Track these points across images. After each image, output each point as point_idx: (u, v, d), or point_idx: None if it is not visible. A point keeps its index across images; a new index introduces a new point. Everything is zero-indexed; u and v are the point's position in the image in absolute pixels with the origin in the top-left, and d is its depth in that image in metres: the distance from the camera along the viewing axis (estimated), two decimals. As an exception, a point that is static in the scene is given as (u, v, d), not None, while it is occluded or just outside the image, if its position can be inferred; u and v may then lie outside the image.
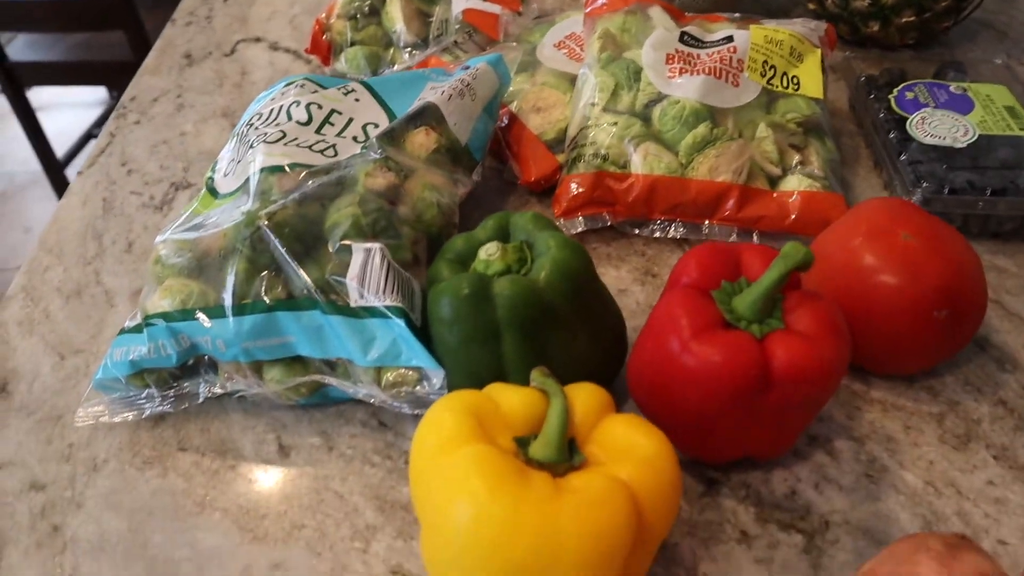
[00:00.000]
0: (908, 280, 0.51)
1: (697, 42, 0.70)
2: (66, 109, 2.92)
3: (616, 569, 0.39)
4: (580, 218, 0.65)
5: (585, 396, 0.44)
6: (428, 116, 0.63)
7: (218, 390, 0.56)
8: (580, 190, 0.64)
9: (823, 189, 0.65)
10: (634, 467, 0.41)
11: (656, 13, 0.73)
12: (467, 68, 0.69)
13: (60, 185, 2.37)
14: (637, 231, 0.66)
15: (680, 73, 0.67)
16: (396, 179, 0.58)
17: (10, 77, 2.03)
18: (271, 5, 1.04)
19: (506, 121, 0.72)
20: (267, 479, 0.53)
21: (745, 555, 0.48)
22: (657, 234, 0.66)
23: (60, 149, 2.40)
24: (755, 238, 0.65)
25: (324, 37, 0.86)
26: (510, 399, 0.44)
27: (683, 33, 0.71)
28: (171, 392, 0.56)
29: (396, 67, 0.84)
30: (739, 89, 0.67)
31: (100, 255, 0.71)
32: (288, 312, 0.53)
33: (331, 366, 0.54)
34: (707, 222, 0.65)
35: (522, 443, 0.42)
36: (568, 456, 0.42)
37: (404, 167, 0.60)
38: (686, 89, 0.66)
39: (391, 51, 0.85)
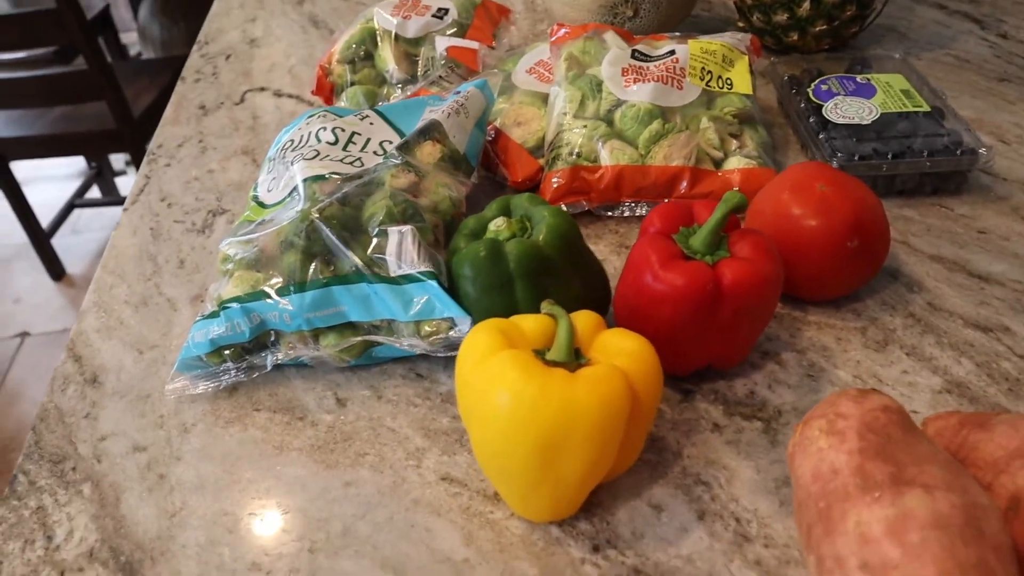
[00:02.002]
0: (825, 220, 0.66)
1: (646, 57, 0.85)
2: (45, 182, 3.03)
3: (618, 432, 0.52)
4: (562, 206, 0.79)
5: (584, 318, 0.58)
6: (433, 131, 0.77)
7: (282, 357, 0.68)
8: (560, 183, 0.79)
9: (758, 165, 0.79)
10: (625, 360, 0.54)
11: (610, 37, 0.88)
12: (459, 92, 0.83)
13: (47, 255, 2.47)
14: (610, 213, 0.81)
15: (634, 82, 0.82)
16: (416, 178, 0.71)
17: (-5, 153, 2.14)
18: (269, 59, 1.18)
19: (493, 135, 0.86)
20: (331, 424, 0.66)
21: (718, 439, 0.62)
22: (627, 214, 0.80)
23: (43, 220, 2.50)
24: (706, 209, 0.79)
25: (327, 80, 1.00)
26: (527, 323, 0.57)
27: (634, 51, 0.86)
28: (244, 364, 0.69)
29: (391, 100, 0.98)
30: (683, 91, 0.82)
31: (157, 271, 0.83)
32: (340, 286, 0.66)
33: (376, 328, 0.67)
34: (666, 201, 0.79)
35: (540, 353, 0.56)
36: (576, 359, 0.55)
37: (420, 170, 0.74)
38: (640, 94, 0.80)
39: (385, 88, 0.99)
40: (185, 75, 1.18)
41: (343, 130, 0.78)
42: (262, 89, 1.11)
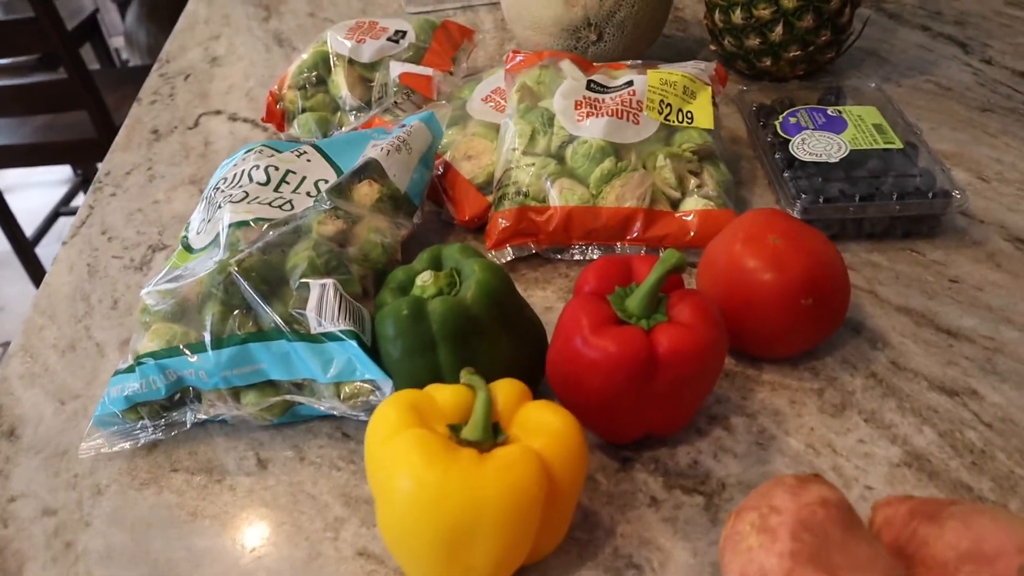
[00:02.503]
0: (777, 275, 0.61)
1: (602, 88, 0.81)
2: (31, 189, 3.01)
3: (532, 521, 0.48)
4: (508, 248, 0.75)
5: (506, 388, 0.54)
6: (370, 170, 0.73)
7: (202, 416, 0.65)
8: (506, 224, 0.74)
9: (717, 207, 0.75)
10: (545, 440, 0.50)
11: (566, 65, 0.84)
12: (404, 126, 0.79)
13: (31, 263, 2.44)
14: (559, 256, 0.76)
15: (587, 116, 0.77)
16: (344, 225, 0.67)
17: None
18: (228, 80, 1.14)
19: (442, 169, 0.82)
20: (249, 488, 0.62)
21: (654, 516, 0.57)
22: (577, 257, 0.76)
23: (28, 228, 2.47)
24: (661, 254, 0.75)
25: (278, 107, 0.96)
26: (443, 394, 0.53)
27: (590, 81, 0.81)
28: (162, 421, 0.65)
29: (344, 129, 0.94)
30: (639, 126, 0.77)
31: (89, 313, 0.79)
32: (259, 343, 0.62)
33: (298, 387, 0.63)
34: (619, 244, 0.75)
35: (455, 428, 0.52)
36: (492, 436, 0.51)
37: (351, 215, 0.69)
38: (592, 130, 0.76)
39: (338, 115, 0.95)
40: (142, 96, 1.14)
41: (276, 168, 0.74)
42: (217, 112, 1.07)
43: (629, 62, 0.85)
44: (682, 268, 0.55)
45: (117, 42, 3.06)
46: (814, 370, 0.66)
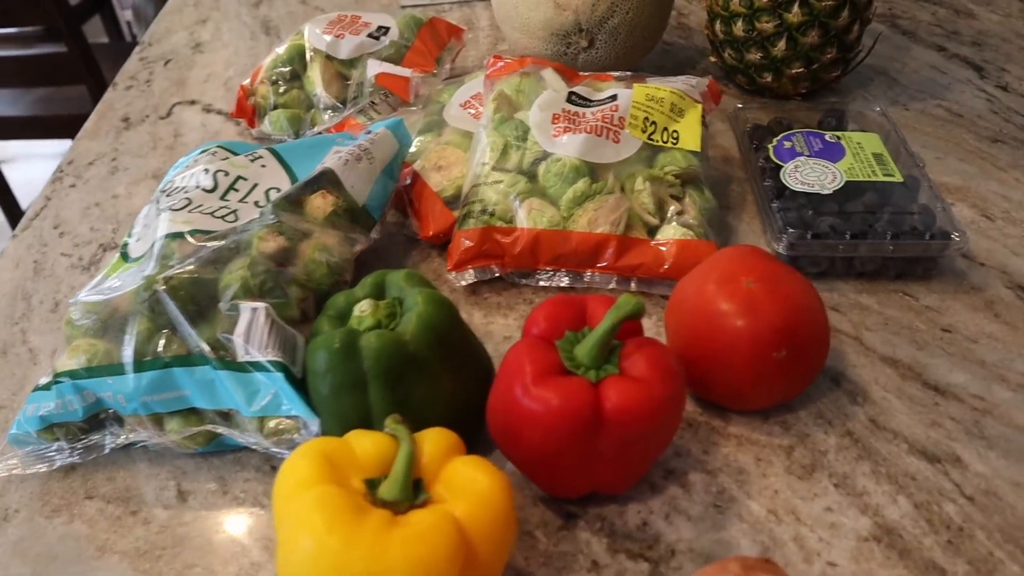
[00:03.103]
0: (749, 323, 0.56)
1: (584, 101, 0.75)
2: (33, 160, 2.98)
3: (445, 597, 0.43)
4: (471, 271, 0.69)
5: (434, 440, 0.49)
6: (325, 180, 0.68)
7: (123, 441, 0.60)
8: (469, 244, 0.69)
9: (696, 237, 0.69)
10: (468, 503, 0.46)
11: (549, 75, 0.78)
12: (370, 132, 0.74)
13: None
14: (525, 281, 0.71)
15: (564, 132, 0.72)
16: (286, 242, 0.62)
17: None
18: (208, 67, 1.09)
19: (409, 180, 0.77)
20: (164, 523, 0.57)
21: (595, 583, 0.52)
22: (544, 283, 0.71)
23: (26, 200, 2.44)
24: (633, 285, 0.70)
25: (249, 101, 0.91)
26: (364, 444, 0.48)
27: (571, 93, 0.76)
28: (79, 444, 0.60)
29: (316, 128, 0.89)
30: (619, 145, 0.72)
31: (27, 315, 0.75)
32: (183, 368, 0.57)
33: (224, 416, 0.58)
34: (589, 271, 0.69)
35: (372, 484, 0.47)
36: (413, 495, 0.46)
37: (299, 230, 0.65)
38: (568, 147, 0.71)
39: (312, 113, 0.90)
40: (118, 81, 1.09)
41: (226, 174, 0.69)
42: (192, 102, 1.02)
43: (616, 73, 0.80)
44: (638, 315, 0.50)
45: (130, 15, 3.02)
46: (785, 424, 0.61)
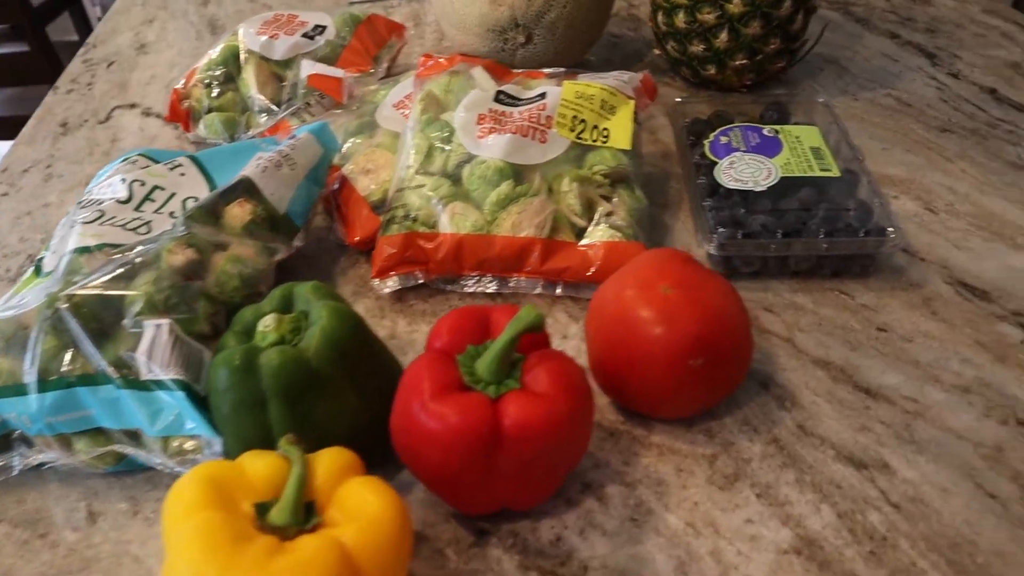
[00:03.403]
0: (665, 331, 0.54)
1: (512, 100, 0.74)
2: None
3: (327, 628, 0.42)
4: (394, 277, 0.68)
5: (329, 460, 0.47)
6: (242, 189, 0.66)
7: (33, 462, 0.58)
8: (392, 251, 0.67)
9: (625, 239, 0.68)
10: (359, 528, 0.44)
11: (478, 73, 0.76)
12: (294, 137, 0.72)
13: None
14: (451, 287, 0.69)
15: (490, 132, 0.70)
16: (196, 255, 0.61)
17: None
18: (151, 69, 1.07)
19: (338, 184, 0.75)
20: (72, 546, 0.56)
21: (504, 603, 0.51)
22: (471, 289, 0.69)
23: None
24: (559, 290, 0.68)
25: (183, 105, 0.89)
26: (258, 466, 0.47)
27: (499, 92, 0.74)
28: (-14, 466, 0.59)
29: (251, 132, 0.87)
30: (546, 145, 0.70)
31: (-49, 330, 0.73)
32: (87, 387, 0.56)
33: (132, 436, 0.57)
34: (515, 276, 0.68)
35: (263, 508, 0.45)
36: (304, 519, 0.45)
37: (213, 241, 0.63)
38: (493, 149, 0.69)
39: (247, 116, 0.88)
40: (59, 84, 1.07)
41: (142, 184, 0.68)
42: (132, 106, 1.00)
43: (549, 70, 0.78)
44: (539, 328, 0.48)
45: (99, 11, 2.99)
46: (710, 432, 0.59)
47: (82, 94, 1.04)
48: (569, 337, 0.66)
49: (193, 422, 0.54)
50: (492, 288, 0.69)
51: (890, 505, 0.54)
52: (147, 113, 0.99)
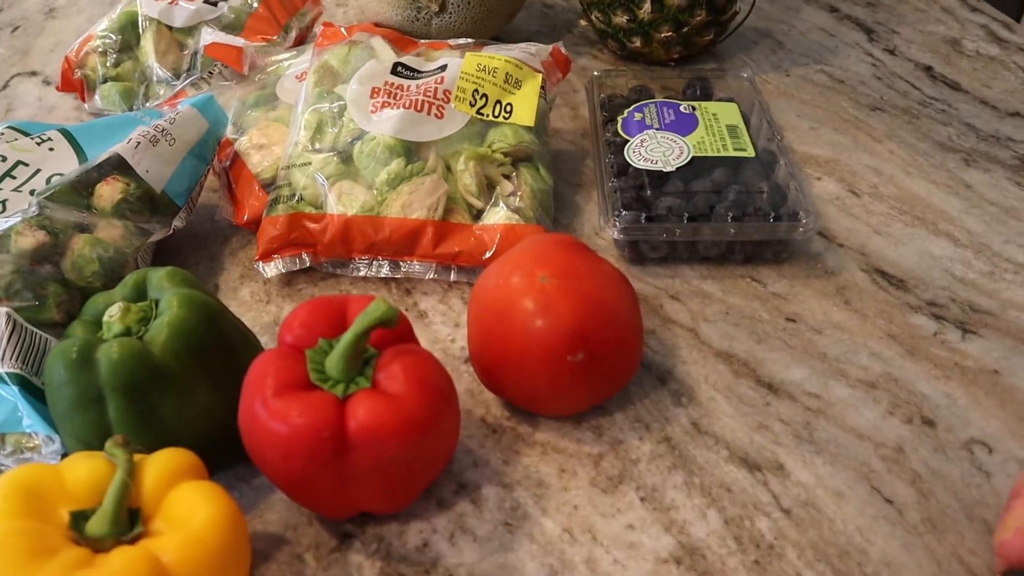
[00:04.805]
0: (542, 324, 0.51)
1: (411, 73, 0.69)
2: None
3: (134, 654, 0.38)
4: (279, 260, 0.64)
5: (161, 463, 0.44)
6: (109, 166, 0.62)
7: None
8: (276, 232, 0.63)
9: (524, 221, 0.64)
10: (181, 539, 0.41)
11: (378, 43, 0.72)
12: (177, 111, 0.68)
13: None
14: (341, 271, 0.65)
15: (383, 107, 0.66)
16: (47, 237, 0.56)
17: None
18: (57, 35, 1.02)
19: (229, 160, 0.71)
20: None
21: (360, 615, 0.47)
22: (363, 272, 0.65)
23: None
24: (453, 275, 0.64)
25: (76, 74, 0.84)
26: (80, 470, 0.43)
27: (398, 64, 0.70)
28: None
29: (151, 103, 0.82)
30: (443, 121, 0.66)
31: None
32: (-78, 379, 0.52)
33: (-29, 431, 0.53)
34: (406, 260, 0.64)
35: (81, 516, 0.42)
36: (126, 529, 0.41)
37: (75, 223, 0.59)
38: (383, 125, 0.65)
39: (145, 86, 0.83)
40: (-39, 50, 1.01)
41: (4, 159, 0.63)
42: (33, 74, 0.95)
43: (453, 42, 0.73)
44: (391, 323, 0.44)
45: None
46: (599, 429, 0.56)
47: (-17, 60, 0.99)
48: (462, 326, 0.62)
49: (30, 419, 0.50)
50: (384, 272, 0.65)
51: (780, 511, 0.51)
52: (48, 82, 0.93)
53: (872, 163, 0.75)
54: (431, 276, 0.64)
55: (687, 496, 0.52)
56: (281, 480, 0.46)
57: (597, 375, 0.52)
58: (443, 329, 0.62)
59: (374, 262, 0.65)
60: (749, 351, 0.60)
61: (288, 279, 0.66)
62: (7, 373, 0.50)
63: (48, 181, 0.63)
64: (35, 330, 0.53)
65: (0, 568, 0.38)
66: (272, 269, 0.64)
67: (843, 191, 0.73)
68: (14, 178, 0.62)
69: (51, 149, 0.65)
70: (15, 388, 0.50)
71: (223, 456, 0.51)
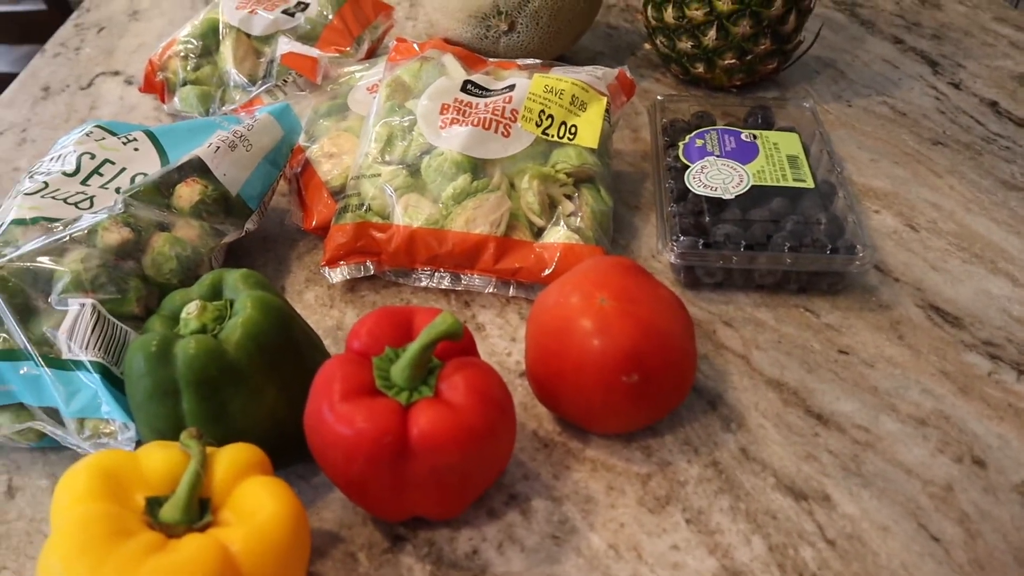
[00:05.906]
0: (598, 344, 0.52)
1: (480, 91, 0.71)
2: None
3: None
4: (344, 267, 0.66)
5: (231, 457, 0.46)
6: (191, 168, 0.65)
7: (-45, 435, 0.58)
8: (343, 240, 0.66)
9: (583, 241, 0.65)
10: (248, 531, 0.43)
11: (449, 61, 0.74)
12: (255, 117, 0.70)
13: None
14: (403, 281, 0.68)
15: (452, 123, 0.68)
16: (131, 234, 0.59)
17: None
18: (140, 37, 1.06)
19: (300, 167, 0.73)
20: (-13, 522, 0.55)
21: (410, 615, 0.49)
22: (424, 283, 0.67)
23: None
24: (512, 290, 0.66)
25: (158, 77, 0.87)
26: (155, 459, 0.45)
27: (467, 82, 0.72)
28: (-91, 437, 0.58)
29: (226, 108, 0.85)
30: (509, 139, 0.68)
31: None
32: (8, 362, 0.54)
33: (53, 414, 0.56)
34: (467, 273, 0.66)
35: (155, 502, 0.44)
36: (197, 517, 0.43)
37: (155, 221, 0.61)
38: (451, 141, 0.67)
39: (222, 91, 0.86)
40: (47, 48, 1.06)
41: (92, 157, 0.66)
42: (116, 74, 0.99)
43: (521, 61, 0.75)
44: (456, 336, 0.46)
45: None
46: (648, 450, 0.57)
47: (68, 58, 1.03)
48: (518, 340, 0.64)
49: (109, 406, 0.53)
50: (445, 284, 0.67)
51: (825, 541, 0.52)
52: (130, 82, 0.97)
53: (932, 198, 0.76)
54: (490, 290, 0.66)
55: (732, 521, 0.53)
56: (341, 480, 0.48)
57: (649, 396, 0.54)
58: (500, 343, 0.64)
59: (436, 274, 0.66)
60: (800, 381, 0.61)
61: (351, 285, 0.68)
62: (90, 361, 0.53)
63: (132, 180, 0.66)
64: (117, 322, 0.56)
65: (83, 547, 0.40)
66: (337, 275, 0.66)
67: (901, 225, 0.73)
68: (101, 175, 0.65)
69: (136, 149, 0.68)
70: (97, 376, 0.53)
71: (283, 454, 0.53)
